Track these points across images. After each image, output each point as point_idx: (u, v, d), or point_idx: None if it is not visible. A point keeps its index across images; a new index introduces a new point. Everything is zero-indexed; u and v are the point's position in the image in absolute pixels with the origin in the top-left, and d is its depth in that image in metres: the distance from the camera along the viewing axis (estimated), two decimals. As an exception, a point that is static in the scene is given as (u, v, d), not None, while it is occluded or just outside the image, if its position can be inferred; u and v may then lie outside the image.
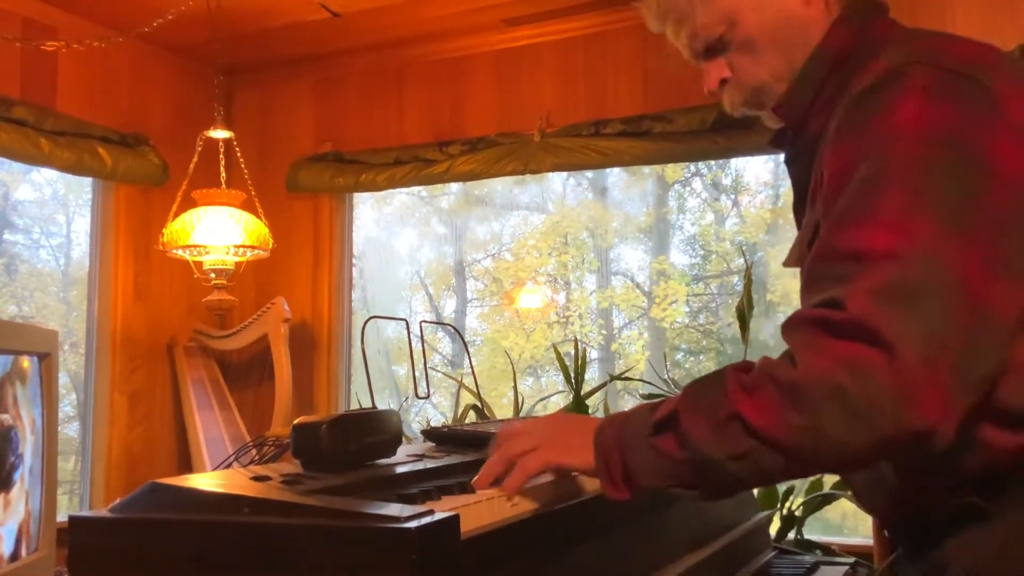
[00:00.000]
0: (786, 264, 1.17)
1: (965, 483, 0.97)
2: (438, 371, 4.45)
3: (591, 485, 1.17)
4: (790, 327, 0.93)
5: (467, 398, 3.43)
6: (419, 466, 1.19)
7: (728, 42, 1.14)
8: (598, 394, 3.23)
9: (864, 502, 1.17)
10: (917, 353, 0.85)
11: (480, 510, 0.96)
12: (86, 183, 3.72)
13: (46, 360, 1.51)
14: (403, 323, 1.57)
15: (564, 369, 3.17)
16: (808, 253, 1.02)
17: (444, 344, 6.17)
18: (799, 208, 1.17)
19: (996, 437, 0.94)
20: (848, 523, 4.21)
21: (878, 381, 0.84)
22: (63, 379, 4.38)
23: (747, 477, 0.94)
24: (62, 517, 1.33)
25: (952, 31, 1.13)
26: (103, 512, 0.98)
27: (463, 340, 5.37)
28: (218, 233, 3.29)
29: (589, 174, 5.56)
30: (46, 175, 4.69)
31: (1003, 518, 0.95)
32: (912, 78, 0.95)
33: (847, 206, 0.94)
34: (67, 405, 4.39)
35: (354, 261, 4.12)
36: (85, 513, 1.02)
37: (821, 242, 0.96)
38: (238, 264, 3.45)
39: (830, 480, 2.88)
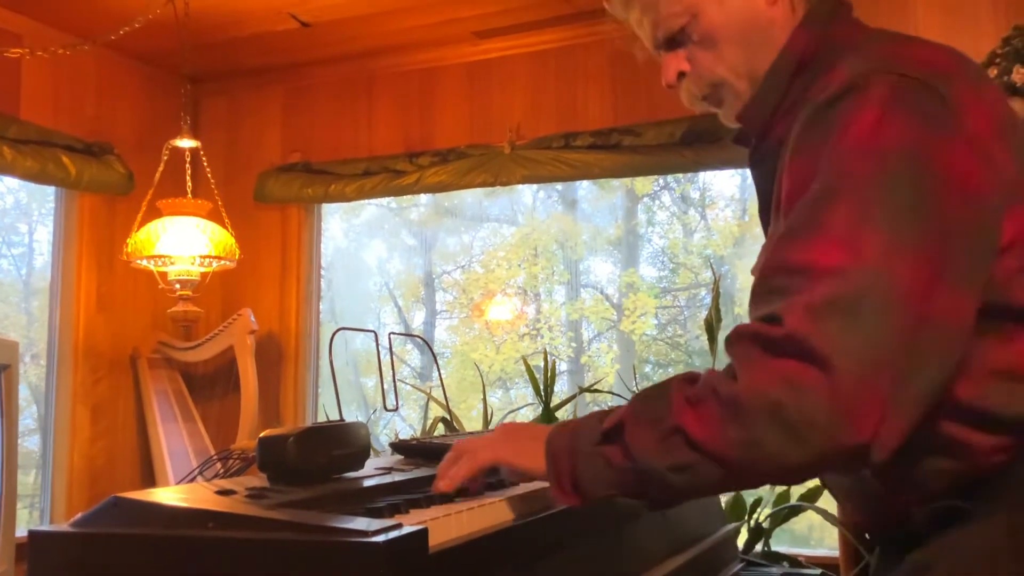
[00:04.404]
0: (753, 272, 1.17)
1: (947, 486, 0.98)
2: (407, 383, 4.43)
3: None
4: (731, 341, 0.94)
5: (436, 410, 3.41)
6: (387, 479, 1.18)
7: (689, 35, 1.13)
8: (568, 406, 3.24)
9: (843, 506, 1.18)
10: (853, 368, 0.85)
11: (449, 523, 0.96)
12: (49, 192, 3.67)
13: (6, 372, 1.48)
14: (372, 335, 1.56)
15: (533, 381, 3.17)
16: None
17: (413, 356, 6.15)
18: (765, 213, 1.17)
19: (977, 440, 0.96)
20: (815, 535, 4.24)
21: (814, 398, 0.86)
22: (23, 391, 4.30)
23: (688, 488, 0.96)
24: (22, 532, 1.30)
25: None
26: (64, 527, 0.96)
27: (432, 352, 5.35)
28: (184, 243, 3.25)
29: (559, 186, 5.59)
30: (8, 183, 4.62)
31: (987, 520, 0.96)
32: (870, 89, 0.95)
33: (797, 220, 0.95)
34: (28, 418, 4.32)
35: (322, 272, 4.10)
36: (45, 528, 1.00)
37: (768, 255, 0.97)
38: (204, 275, 3.41)
39: (797, 491, 2.90)
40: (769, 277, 0.96)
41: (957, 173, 0.92)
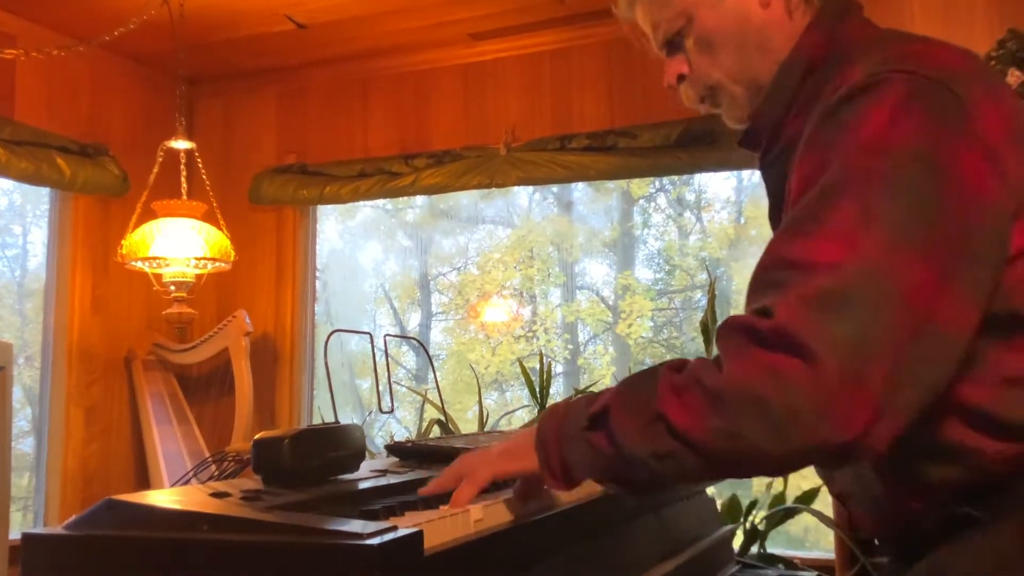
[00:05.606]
0: None
1: (956, 492, 0.97)
2: (402, 385, 4.43)
3: (555, 500, 1.17)
4: (721, 332, 0.94)
5: (431, 412, 3.41)
6: (382, 481, 1.17)
7: (686, 38, 1.14)
8: (563, 408, 3.23)
9: (851, 512, 1.16)
10: (841, 363, 0.84)
11: (444, 526, 0.95)
12: (43, 193, 3.66)
13: (0, 374, 1.47)
14: (367, 337, 1.56)
15: (529, 383, 3.17)
16: None
17: (408, 358, 6.15)
18: (775, 216, 1.16)
19: (987, 446, 0.94)
20: (811, 537, 4.25)
21: (797, 392, 0.84)
22: (17, 393, 4.29)
23: (669, 476, 0.95)
24: (15, 534, 1.30)
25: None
26: (58, 529, 0.96)
27: (428, 354, 5.35)
28: (178, 245, 3.25)
29: (555, 188, 5.59)
30: (2, 185, 4.61)
31: (999, 527, 0.95)
32: (885, 87, 0.94)
33: (799, 214, 0.94)
34: (22, 420, 4.30)
35: (317, 274, 4.09)
36: (39, 530, 1.00)
37: (768, 249, 0.96)
38: (199, 276, 3.41)
39: (793, 494, 2.90)
40: (766, 270, 0.95)
41: (968, 177, 0.91)
